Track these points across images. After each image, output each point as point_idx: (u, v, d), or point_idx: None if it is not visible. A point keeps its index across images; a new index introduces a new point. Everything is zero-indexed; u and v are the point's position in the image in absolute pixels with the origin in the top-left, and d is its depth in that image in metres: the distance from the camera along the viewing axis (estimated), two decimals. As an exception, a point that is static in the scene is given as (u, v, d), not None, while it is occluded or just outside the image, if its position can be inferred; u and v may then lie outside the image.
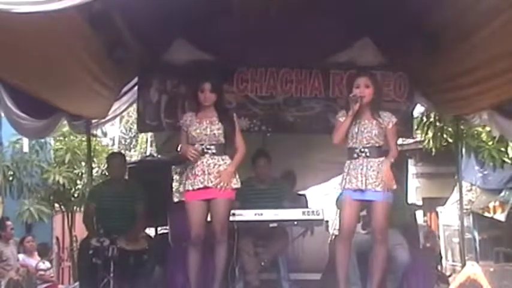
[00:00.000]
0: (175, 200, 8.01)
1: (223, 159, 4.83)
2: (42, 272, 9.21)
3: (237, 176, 4.89)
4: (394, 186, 4.62)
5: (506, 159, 8.66)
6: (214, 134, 4.80)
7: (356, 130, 4.61)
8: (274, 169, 6.07)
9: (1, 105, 4.53)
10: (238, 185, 4.88)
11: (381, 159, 4.62)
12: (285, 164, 7.09)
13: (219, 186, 4.75)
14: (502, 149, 8.53)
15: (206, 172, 4.76)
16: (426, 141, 8.78)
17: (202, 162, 4.78)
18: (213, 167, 4.78)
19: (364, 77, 4.71)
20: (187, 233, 4.85)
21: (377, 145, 4.63)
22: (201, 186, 4.75)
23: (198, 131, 4.81)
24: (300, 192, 7.53)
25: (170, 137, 7.32)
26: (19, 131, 5.41)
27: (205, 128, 4.81)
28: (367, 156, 4.59)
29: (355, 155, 4.62)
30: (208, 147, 4.80)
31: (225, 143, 4.85)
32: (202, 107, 4.90)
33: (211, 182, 4.75)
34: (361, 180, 4.56)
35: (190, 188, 4.78)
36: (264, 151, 5.99)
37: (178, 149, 4.95)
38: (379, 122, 4.64)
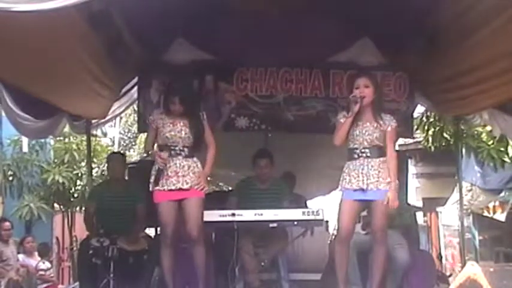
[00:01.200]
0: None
1: (195, 162, 4.81)
2: (42, 272, 9.22)
3: None
4: (392, 203, 4.57)
5: (506, 159, 8.66)
6: (188, 136, 4.79)
7: (357, 132, 4.59)
8: (276, 170, 6.07)
9: (2, 105, 4.54)
10: (207, 187, 4.87)
11: (382, 158, 4.60)
12: (288, 166, 7.08)
13: (198, 187, 4.73)
14: (502, 148, 8.53)
15: (180, 174, 4.73)
16: (425, 140, 8.78)
17: (176, 164, 4.74)
18: (187, 169, 4.75)
19: (363, 77, 4.69)
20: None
21: (379, 145, 4.61)
22: (172, 188, 4.72)
23: (172, 133, 4.78)
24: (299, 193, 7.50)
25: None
26: (21, 131, 5.41)
27: (180, 130, 4.78)
28: (368, 157, 4.58)
29: (356, 156, 4.60)
30: (181, 149, 4.78)
31: (197, 145, 4.84)
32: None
33: (187, 183, 4.72)
34: (362, 180, 4.54)
35: (162, 189, 4.73)
36: (266, 151, 5.96)
37: (149, 152, 4.92)
38: (380, 125, 4.61)
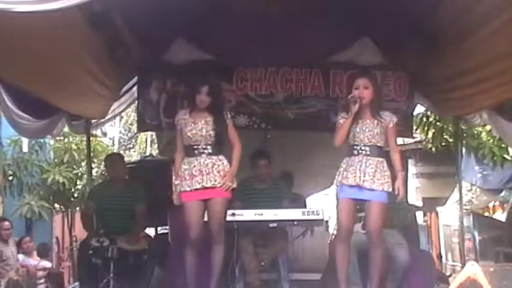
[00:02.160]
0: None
1: (220, 159, 4.80)
2: (46, 271, 9.27)
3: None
4: (401, 194, 4.62)
5: (507, 157, 8.65)
6: (210, 134, 4.77)
7: (358, 129, 4.61)
8: (276, 169, 6.06)
9: (1, 105, 4.53)
10: (235, 185, 4.86)
11: (380, 159, 4.62)
12: (287, 165, 7.08)
13: (223, 186, 4.72)
14: (503, 145, 8.52)
15: (204, 172, 4.72)
16: (426, 141, 8.77)
17: (200, 162, 4.75)
18: (212, 167, 4.75)
19: (363, 78, 4.72)
20: (187, 233, 4.83)
21: (378, 144, 4.63)
22: (198, 186, 4.71)
23: (193, 131, 4.78)
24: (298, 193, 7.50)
25: (173, 138, 7.31)
26: (19, 131, 5.40)
27: (201, 128, 4.78)
28: (367, 155, 4.60)
29: (355, 152, 4.62)
30: (204, 147, 4.77)
31: (219, 143, 4.83)
32: (196, 107, 4.86)
33: (210, 182, 4.72)
34: (359, 177, 4.56)
35: (188, 189, 4.73)
36: (265, 151, 5.97)
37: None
38: (380, 121, 4.64)
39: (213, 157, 4.78)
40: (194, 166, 4.74)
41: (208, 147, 4.78)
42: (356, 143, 4.62)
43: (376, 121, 4.64)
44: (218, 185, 4.73)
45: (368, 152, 4.60)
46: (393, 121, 4.69)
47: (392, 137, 4.71)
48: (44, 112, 5.35)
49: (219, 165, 4.78)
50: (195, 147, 4.78)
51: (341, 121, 4.68)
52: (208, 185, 4.72)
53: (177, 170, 4.83)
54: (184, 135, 4.81)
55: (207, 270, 4.88)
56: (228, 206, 4.85)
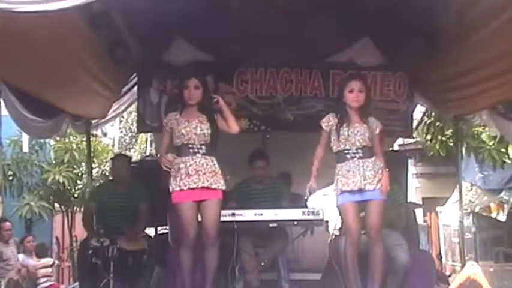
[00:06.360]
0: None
1: (212, 160, 4.77)
2: (49, 269, 9.32)
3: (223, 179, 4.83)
4: (383, 190, 4.63)
5: (507, 160, 8.65)
6: (204, 133, 4.73)
7: (348, 133, 4.63)
8: (275, 170, 6.04)
9: (7, 107, 4.53)
10: (224, 187, 4.81)
11: (373, 158, 4.65)
12: (287, 166, 7.08)
13: (215, 186, 4.70)
14: (503, 150, 8.52)
15: (201, 172, 4.69)
16: (428, 144, 8.76)
17: (195, 162, 4.70)
18: (207, 166, 4.71)
19: (357, 81, 4.74)
20: (182, 234, 4.81)
21: (369, 145, 4.67)
22: (194, 186, 4.67)
23: (188, 129, 4.72)
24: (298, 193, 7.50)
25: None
26: (26, 131, 5.41)
27: (196, 127, 4.73)
28: (361, 157, 4.62)
29: (348, 156, 4.63)
30: (199, 147, 4.73)
31: (212, 143, 4.79)
32: (186, 107, 4.81)
33: (207, 181, 4.70)
34: (360, 181, 4.57)
35: (185, 188, 4.68)
36: (262, 152, 5.94)
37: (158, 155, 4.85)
38: (368, 126, 4.69)
39: (207, 157, 4.74)
40: (190, 165, 4.69)
41: (203, 147, 4.74)
42: (347, 147, 4.64)
43: (365, 125, 4.68)
44: (212, 186, 4.70)
45: (361, 155, 4.63)
46: (379, 127, 4.73)
47: (379, 144, 4.74)
48: (49, 112, 5.35)
49: (211, 166, 4.74)
50: (190, 146, 4.73)
51: (323, 125, 4.74)
52: (206, 184, 4.68)
53: (171, 160, 4.71)
54: (177, 133, 4.74)
55: (204, 272, 4.87)
56: (222, 207, 4.81)
